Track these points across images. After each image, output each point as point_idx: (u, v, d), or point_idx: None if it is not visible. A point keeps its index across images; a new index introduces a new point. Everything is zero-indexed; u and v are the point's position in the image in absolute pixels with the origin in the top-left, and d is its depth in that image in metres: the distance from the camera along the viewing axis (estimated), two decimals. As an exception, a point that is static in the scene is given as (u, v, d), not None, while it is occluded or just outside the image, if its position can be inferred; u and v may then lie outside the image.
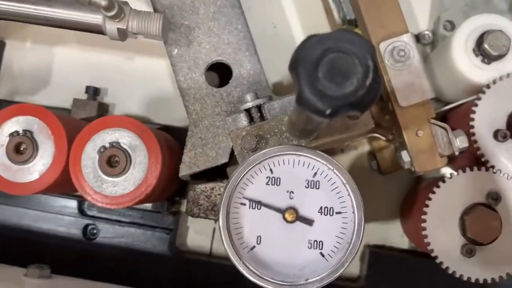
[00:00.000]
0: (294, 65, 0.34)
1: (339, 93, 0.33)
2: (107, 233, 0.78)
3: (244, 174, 0.47)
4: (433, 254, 0.60)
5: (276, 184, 0.48)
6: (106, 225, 0.78)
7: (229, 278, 0.76)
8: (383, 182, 0.79)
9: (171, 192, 0.78)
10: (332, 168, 0.47)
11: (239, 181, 0.48)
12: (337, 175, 0.47)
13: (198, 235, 0.81)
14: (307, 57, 0.34)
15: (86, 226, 0.78)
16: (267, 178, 0.48)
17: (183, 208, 0.81)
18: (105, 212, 0.79)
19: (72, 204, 0.79)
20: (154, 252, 0.77)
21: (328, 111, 0.33)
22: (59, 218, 0.78)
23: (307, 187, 0.48)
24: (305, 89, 0.33)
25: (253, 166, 0.47)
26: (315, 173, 0.48)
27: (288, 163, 0.48)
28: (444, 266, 0.60)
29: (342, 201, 0.47)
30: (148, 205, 0.79)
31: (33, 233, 0.78)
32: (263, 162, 0.48)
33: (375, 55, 0.34)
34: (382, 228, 0.80)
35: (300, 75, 0.34)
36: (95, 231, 0.79)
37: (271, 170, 0.48)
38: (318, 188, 0.48)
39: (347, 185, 0.47)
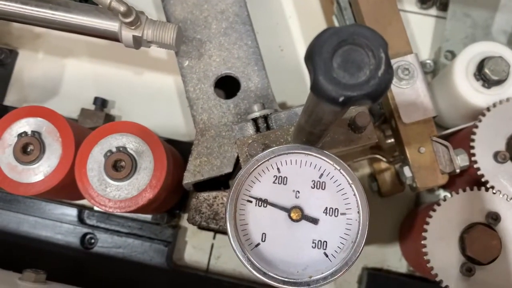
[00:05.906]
0: (310, 55, 0.36)
1: (352, 82, 0.35)
2: (105, 243, 0.77)
3: (252, 171, 0.48)
4: (432, 272, 0.60)
5: (283, 183, 0.48)
6: (105, 234, 0.78)
7: (226, 294, 0.76)
8: (382, 204, 0.80)
9: (171, 204, 0.78)
10: (338, 168, 0.48)
11: (247, 178, 0.48)
12: (343, 175, 0.48)
13: (195, 250, 0.81)
14: (323, 47, 0.35)
15: (85, 235, 0.78)
16: (274, 177, 0.49)
17: (183, 222, 0.81)
18: (105, 221, 0.78)
19: (72, 212, 0.79)
20: (151, 264, 0.77)
21: (341, 99, 0.35)
22: (58, 225, 0.78)
23: (313, 188, 0.48)
24: (320, 77, 0.35)
25: (261, 163, 0.48)
26: (322, 174, 0.48)
27: (296, 163, 0.49)
28: (443, 285, 0.59)
29: (347, 202, 0.48)
30: (148, 217, 0.79)
31: (31, 239, 0.77)
32: (271, 160, 0.48)
33: (387, 49, 0.35)
34: (381, 250, 0.80)
35: (316, 64, 0.35)
36: (93, 240, 0.78)
37: (278, 169, 0.49)
38: (324, 189, 0.48)
39: (352, 185, 0.47)
